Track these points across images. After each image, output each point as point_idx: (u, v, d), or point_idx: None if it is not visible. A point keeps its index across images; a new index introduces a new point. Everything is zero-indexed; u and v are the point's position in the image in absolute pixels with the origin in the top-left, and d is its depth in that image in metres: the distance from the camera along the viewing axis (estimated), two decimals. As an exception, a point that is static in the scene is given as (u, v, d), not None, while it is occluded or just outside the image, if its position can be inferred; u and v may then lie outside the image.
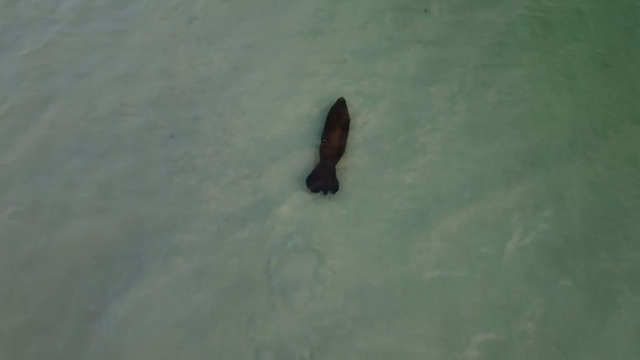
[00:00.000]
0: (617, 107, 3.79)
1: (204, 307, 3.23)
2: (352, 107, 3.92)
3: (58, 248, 3.44)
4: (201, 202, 3.60)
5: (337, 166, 3.62)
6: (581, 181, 3.50)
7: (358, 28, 4.37)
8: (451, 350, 3.02)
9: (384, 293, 3.20)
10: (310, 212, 3.52)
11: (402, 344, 3.06)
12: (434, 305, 3.15)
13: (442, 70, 4.07)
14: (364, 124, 3.85)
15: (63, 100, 4.13)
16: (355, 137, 3.79)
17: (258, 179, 3.67)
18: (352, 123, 3.83)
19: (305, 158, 3.74)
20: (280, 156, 3.76)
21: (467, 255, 3.28)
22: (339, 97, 3.95)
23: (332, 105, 3.91)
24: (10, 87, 4.20)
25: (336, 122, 3.78)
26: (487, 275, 3.21)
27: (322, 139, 3.72)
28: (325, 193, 3.52)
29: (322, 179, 3.55)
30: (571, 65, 4.03)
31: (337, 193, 3.52)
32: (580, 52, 4.09)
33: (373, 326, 3.12)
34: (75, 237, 3.48)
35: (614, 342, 3.00)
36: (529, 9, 4.34)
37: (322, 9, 4.49)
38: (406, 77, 4.06)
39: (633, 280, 3.15)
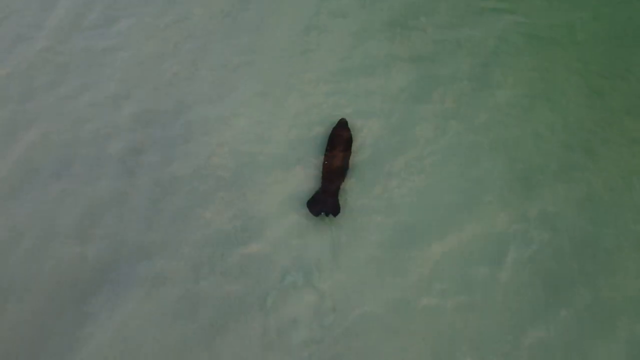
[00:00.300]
0: (610, 127, 3.74)
1: (193, 343, 3.05)
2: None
3: (40, 275, 3.30)
4: (190, 227, 3.44)
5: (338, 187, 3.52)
6: (576, 204, 3.42)
7: (352, 47, 4.30)
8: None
9: (383, 324, 3.07)
10: (309, 239, 3.37)
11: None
12: (433, 335, 3.03)
13: (436, 89, 4.00)
14: (362, 146, 3.74)
15: (48, 122, 3.99)
16: (353, 158, 3.68)
17: (253, 202, 3.53)
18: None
19: (302, 180, 3.61)
20: (276, 178, 3.63)
21: (464, 281, 3.18)
22: (335, 116, 3.86)
23: (333, 126, 3.81)
24: (-7, 106, 4.07)
25: (338, 143, 3.68)
26: (484, 303, 3.11)
27: (324, 161, 3.61)
28: (326, 215, 3.40)
29: (323, 202, 3.43)
30: (563, 83, 3.98)
31: (338, 216, 3.41)
32: (572, 70, 4.04)
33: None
34: (58, 263, 3.34)
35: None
36: (522, 26, 4.32)
37: (316, 27, 4.42)
38: (401, 96, 3.98)
39: (633, 309, 3.05)
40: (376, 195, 3.52)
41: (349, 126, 3.80)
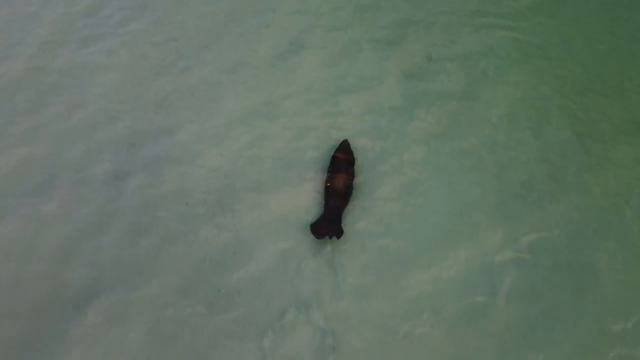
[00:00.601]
0: (604, 148, 3.69)
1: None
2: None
3: (22, 300, 3.14)
4: (180, 253, 3.30)
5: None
6: (570, 227, 3.35)
7: (348, 65, 4.22)
8: None
9: (383, 355, 2.96)
10: (308, 266, 3.25)
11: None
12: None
13: (433, 109, 3.93)
14: (359, 168, 3.64)
15: (34, 142, 3.84)
16: (355, 181, 3.60)
17: (247, 226, 3.39)
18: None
19: (300, 203, 3.49)
20: (272, 201, 3.50)
21: (462, 309, 3.09)
22: (332, 137, 3.77)
23: (333, 148, 3.73)
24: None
25: (340, 165, 3.59)
26: (482, 331, 3.01)
27: (326, 183, 3.52)
28: (330, 238, 3.32)
29: (327, 226, 3.34)
30: (559, 103, 3.93)
31: (337, 240, 3.32)
32: (569, 90, 4.00)
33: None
34: (41, 288, 3.18)
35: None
36: (518, 43, 4.29)
37: (311, 45, 4.34)
38: (398, 116, 3.89)
39: (630, 337, 2.96)
40: (375, 219, 3.43)
41: (351, 148, 3.72)
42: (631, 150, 3.69)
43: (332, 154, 3.68)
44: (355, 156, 3.69)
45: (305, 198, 3.54)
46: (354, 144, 3.75)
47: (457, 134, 3.82)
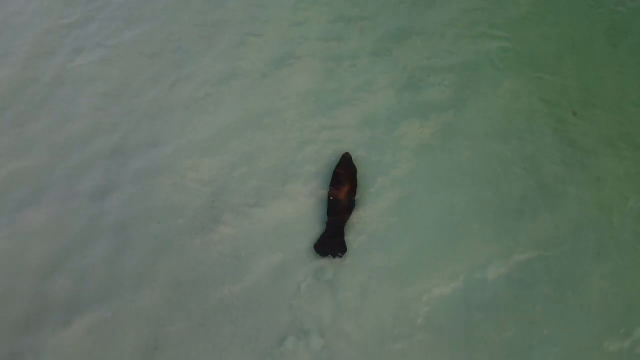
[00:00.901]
0: (595, 159, 3.64)
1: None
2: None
3: (5, 312, 3.12)
4: (168, 273, 3.24)
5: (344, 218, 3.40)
6: (563, 238, 3.31)
7: (342, 76, 4.16)
8: None
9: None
10: (308, 286, 3.19)
11: None
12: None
13: (429, 119, 3.87)
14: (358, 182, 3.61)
15: (19, 156, 3.82)
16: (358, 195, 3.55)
17: (242, 240, 3.35)
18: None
19: (298, 216, 3.44)
20: (268, 216, 3.45)
21: (459, 324, 3.05)
22: (329, 151, 3.72)
23: (332, 161, 3.67)
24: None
25: (342, 179, 3.53)
26: (480, 351, 2.97)
27: (329, 197, 3.47)
28: (334, 257, 3.28)
29: (330, 245, 3.31)
30: (547, 111, 3.88)
31: (345, 255, 3.29)
32: (558, 96, 3.95)
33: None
34: (27, 299, 3.18)
35: None
36: (512, 53, 4.24)
37: (305, 55, 4.29)
38: (394, 128, 3.83)
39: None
40: (373, 234, 3.38)
41: (353, 162, 3.66)
42: (629, 164, 3.64)
43: (334, 167, 3.62)
44: (358, 168, 3.64)
45: (304, 212, 3.48)
46: (352, 157, 3.70)
47: (454, 146, 3.77)
